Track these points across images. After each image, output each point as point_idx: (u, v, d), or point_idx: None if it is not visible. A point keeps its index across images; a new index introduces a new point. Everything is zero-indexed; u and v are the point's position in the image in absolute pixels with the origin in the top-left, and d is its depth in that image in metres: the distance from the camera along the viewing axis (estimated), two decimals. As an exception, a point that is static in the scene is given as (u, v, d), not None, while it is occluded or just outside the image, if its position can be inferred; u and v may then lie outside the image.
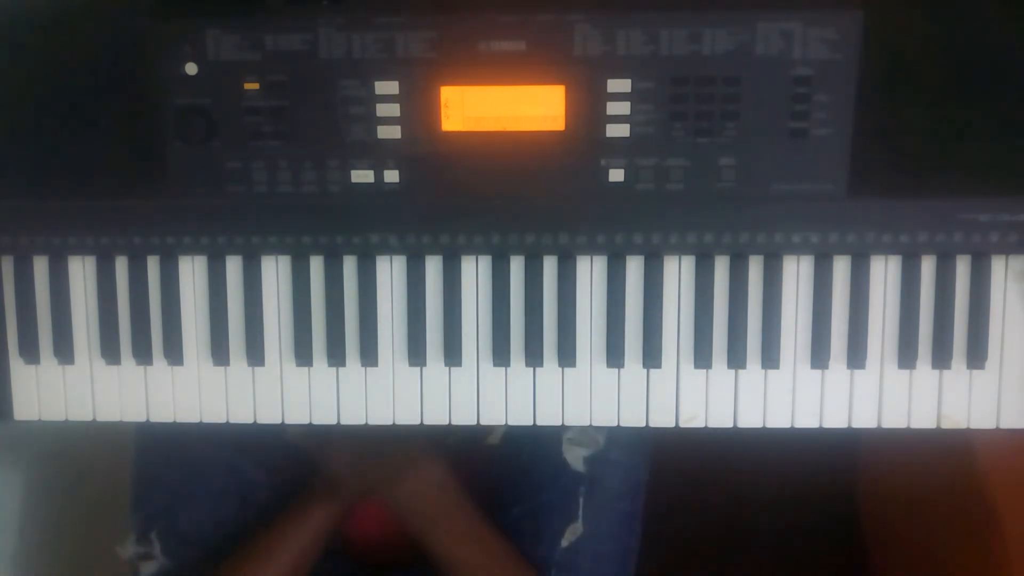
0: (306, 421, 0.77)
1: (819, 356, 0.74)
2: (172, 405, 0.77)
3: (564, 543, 0.87)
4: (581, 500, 0.88)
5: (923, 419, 0.75)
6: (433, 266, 0.75)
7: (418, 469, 0.88)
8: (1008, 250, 0.72)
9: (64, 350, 0.77)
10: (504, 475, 0.92)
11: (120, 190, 0.75)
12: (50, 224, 0.75)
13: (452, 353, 0.75)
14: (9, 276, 0.76)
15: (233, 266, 0.76)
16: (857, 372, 0.74)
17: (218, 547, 0.90)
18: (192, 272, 0.76)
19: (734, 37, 0.69)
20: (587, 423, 0.76)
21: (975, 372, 0.74)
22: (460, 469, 0.92)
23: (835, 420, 0.75)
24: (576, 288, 0.74)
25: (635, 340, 0.75)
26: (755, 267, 0.73)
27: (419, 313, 0.75)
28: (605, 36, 0.69)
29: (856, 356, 0.73)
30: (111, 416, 0.78)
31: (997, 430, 0.75)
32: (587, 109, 0.70)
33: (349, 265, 0.75)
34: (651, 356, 0.74)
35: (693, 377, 0.75)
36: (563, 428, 0.88)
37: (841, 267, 0.73)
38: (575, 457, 0.88)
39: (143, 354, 0.76)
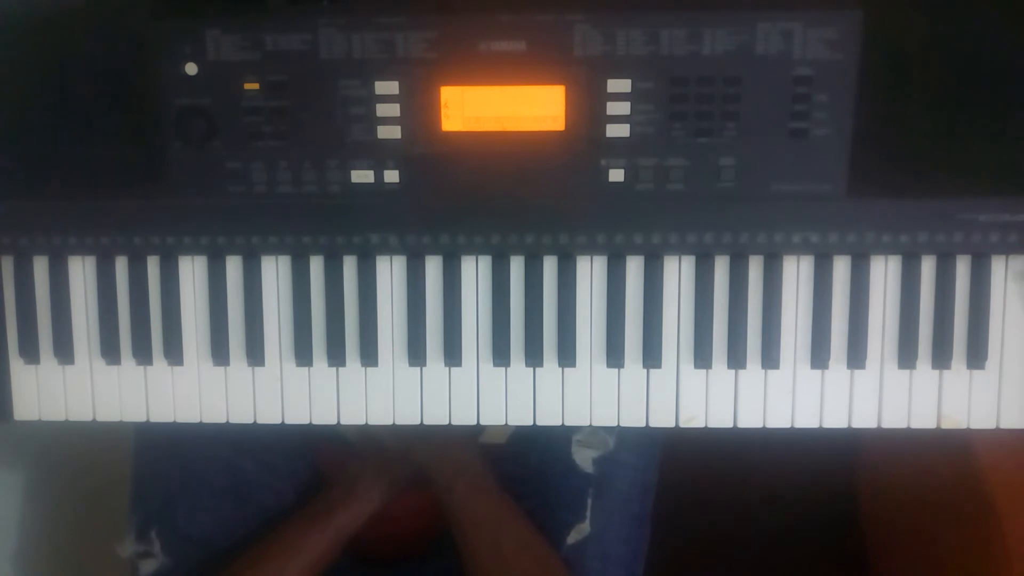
0: (306, 421, 0.77)
1: (819, 356, 0.74)
2: (172, 405, 0.77)
3: (570, 540, 0.87)
4: (589, 501, 0.88)
5: (923, 419, 0.75)
6: (433, 266, 0.75)
7: (457, 447, 0.90)
8: (1008, 250, 0.72)
9: (64, 350, 0.77)
10: (513, 475, 0.92)
11: (120, 190, 0.75)
12: (50, 224, 0.75)
13: (452, 353, 0.75)
14: (9, 276, 0.76)
15: (233, 266, 0.76)
16: (857, 372, 0.74)
17: (218, 545, 0.90)
18: (192, 272, 0.76)
19: (734, 37, 0.69)
20: (587, 423, 0.76)
21: (975, 372, 0.74)
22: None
23: (835, 420, 0.75)
24: (576, 288, 0.74)
25: (635, 340, 0.75)
26: (755, 267, 0.73)
27: (419, 313, 0.75)
28: (605, 36, 0.69)
29: (856, 356, 0.73)
30: (111, 416, 0.78)
31: (997, 430, 0.75)
32: (587, 109, 0.70)
33: (349, 265, 0.75)
34: (651, 356, 0.74)
35: (693, 377, 0.75)
36: (572, 429, 0.88)
37: (841, 267, 0.73)
38: (584, 459, 0.88)
39: (143, 354, 0.76)
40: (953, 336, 0.73)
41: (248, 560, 0.88)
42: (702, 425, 0.76)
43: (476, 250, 0.74)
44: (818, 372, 0.74)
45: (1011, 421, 0.74)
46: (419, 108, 0.71)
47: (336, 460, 0.96)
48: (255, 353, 0.76)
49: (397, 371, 0.76)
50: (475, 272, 0.75)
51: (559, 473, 0.89)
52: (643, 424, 0.76)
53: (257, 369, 0.77)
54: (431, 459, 0.90)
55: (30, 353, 0.77)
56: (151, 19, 0.70)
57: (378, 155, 0.72)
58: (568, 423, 0.76)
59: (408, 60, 0.70)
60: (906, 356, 0.73)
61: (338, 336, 0.75)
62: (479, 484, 0.89)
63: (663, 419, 0.75)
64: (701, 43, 0.69)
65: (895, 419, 0.75)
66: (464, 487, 0.88)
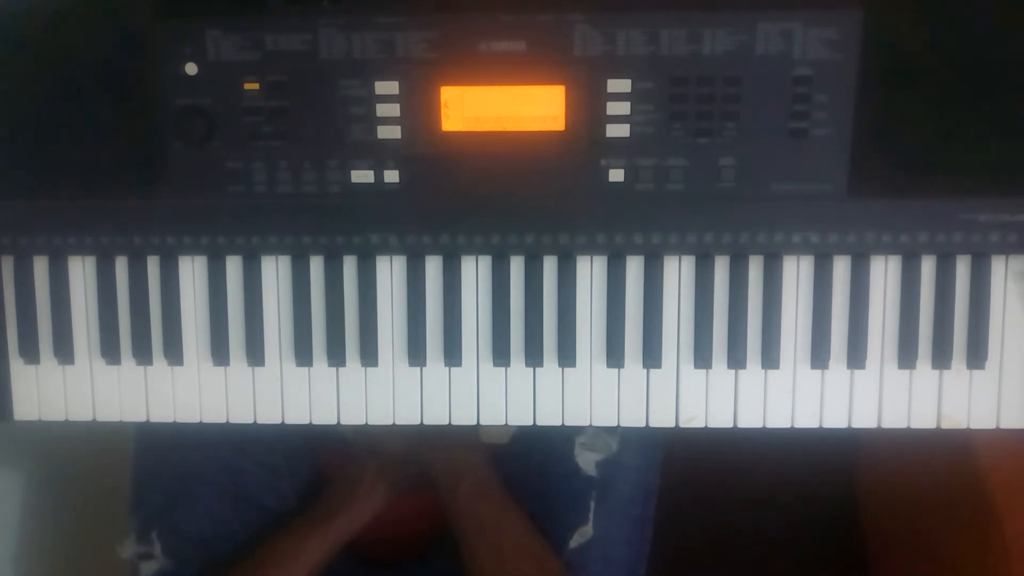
0: (306, 421, 0.77)
1: (819, 356, 0.74)
2: (172, 405, 0.77)
3: (573, 544, 0.87)
4: (592, 504, 0.88)
5: (923, 419, 0.75)
6: (433, 266, 0.75)
7: (452, 438, 0.90)
8: (1008, 250, 0.72)
9: (64, 350, 0.77)
10: (515, 476, 0.92)
11: (120, 190, 0.75)
12: (50, 224, 0.75)
13: (452, 353, 0.75)
14: (9, 276, 0.76)
15: (233, 266, 0.76)
16: (857, 372, 0.74)
17: (218, 547, 0.90)
18: (192, 272, 0.76)
19: (734, 37, 0.69)
20: (587, 423, 0.76)
21: (975, 372, 0.74)
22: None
23: (835, 420, 0.75)
24: (576, 288, 0.74)
25: (635, 340, 0.75)
26: (755, 267, 0.73)
27: (419, 313, 0.75)
28: (605, 36, 0.69)
29: (856, 356, 0.73)
30: (111, 416, 0.78)
31: (997, 430, 0.75)
32: (587, 109, 0.70)
33: (349, 265, 0.75)
34: (651, 356, 0.74)
35: (693, 377, 0.75)
36: (573, 429, 0.88)
37: (841, 267, 0.73)
38: (587, 461, 0.88)
39: (143, 354, 0.76)
40: (953, 336, 0.73)
41: (248, 566, 0.88)
42: (702, 425, 0.76)
43: (476, 250, 0.74)
44: (818, 372, 0.74)
45: (1011, 421, 0.74)
46: (419, 108, 0.71)
47: (339, 461, 0.96)
48: (255, 353, 0.76)
49: (397, 371, 0.76)
50: (475, 272, 0.75)
51: (561, 476, 0.89)
52: (643, 424, 0.76)
53: (257, 369, 0.77)
54: (435, 461, 0.90)
55: (30, 353, 0.77)
56: (151, 19, 0.70)
57: (378, 155, 0.72)
58: (568, 423, 0.76)
59: (408, 60, 0.70)
60: (906, 356, 0.73)
61: (338, 336, 0.75)
62: (482, 488, 0.89)
63: (663, 419, 0.75)
64: (701, 43, 0.69)
65: (895, 419, 0.75)
66: (467, 490, 0.88)
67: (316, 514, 0.91)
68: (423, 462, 0.91)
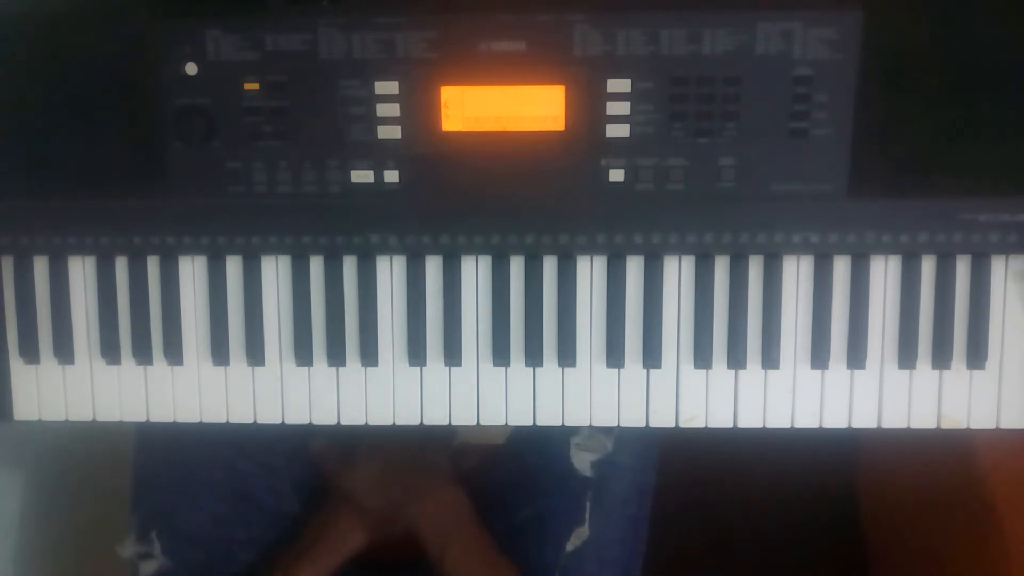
0: (306, 421, 0.77)
1: (819, 356, 0.74)
2: (172, 405, 0.77)
3: (569, 547, 0.87)
4: (588, 505, 0.87)
5: (923, 419, 0.75)
6: (433, 266, 0.75)
7: (436, 492, 0.89)
8: (1008, 250, 0.72)
9: (64, 350, 0.77)
10: (510, 478, 0.91)
11: (120, 190, 0.75)
12: (50, 224, 0.75)
13: (452, 353, 0.75)
14: (9, 276, 0.76)
15: (233, 266, 0.76)
16: (857, 372, 0.74)
17: (218, 547, 0.90)
18: (192, 272, 0.76)
19: (734, 37, 0.69)
20: (587, 423, 0.76)
21: (975, 372, 0.74)
22: (465, 470, 0.92)
23: (835, 420, 0.75)
24: (576, 288, 0.74)
25: (635, 340, 0.75)
26: (755, 267, 0.73)
27: (419, 313, 0.75)
28: (605, 36, 0.69)
29: (856, 356, 0.73)
30: (111, 416, 0.78)
31: (997, 430, 0.75)
32: (587, 109, 0.70)
33: (349, 265, 0.75)
34: (651, 356, 0.74)
35: (693, 377, 0.75)
36: (570, 431, 0.87)
37: (841, 267, 0.73)
38: (582, 462, 0.88)
39: (143, 354, 0.76)
40: (953, 336, 0.73)
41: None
42: (702, 425, 0.76)
43: (476, 250, 0.74)
44: (818, 372, 0.74)
45: (1011, 421, 0.74)
46: (419, 108, 0.71)
47: (336, 460, 0.96)
48: (255, 353, 0.76)
49: (397, 371, 0.76)
50: (475, 272, 0.75)
51: (557, 476, 0.89)
52: (643, 424, 0.76)
53: (257, 369, 0.77)
54: (421, 523, 0.89)
55: (30, 353, 0.77)
56: (151, 19, 0.70)
57: (378, 155, 0.72)
58: (568, 423, 0.76)
59: (408, 60, 0.70)
60: (906, 356, 0.73)
61: (338, 336, 0.75)
62: (472, 547, 0.88)
63: (663, 419, 0.75)
64: (701, 43, 0.69)
65: (895, 419, 0.75)
66: (457, 554, 0.87)
67: (291, 553, 0.90)
68: (409, 524, 0.90)
